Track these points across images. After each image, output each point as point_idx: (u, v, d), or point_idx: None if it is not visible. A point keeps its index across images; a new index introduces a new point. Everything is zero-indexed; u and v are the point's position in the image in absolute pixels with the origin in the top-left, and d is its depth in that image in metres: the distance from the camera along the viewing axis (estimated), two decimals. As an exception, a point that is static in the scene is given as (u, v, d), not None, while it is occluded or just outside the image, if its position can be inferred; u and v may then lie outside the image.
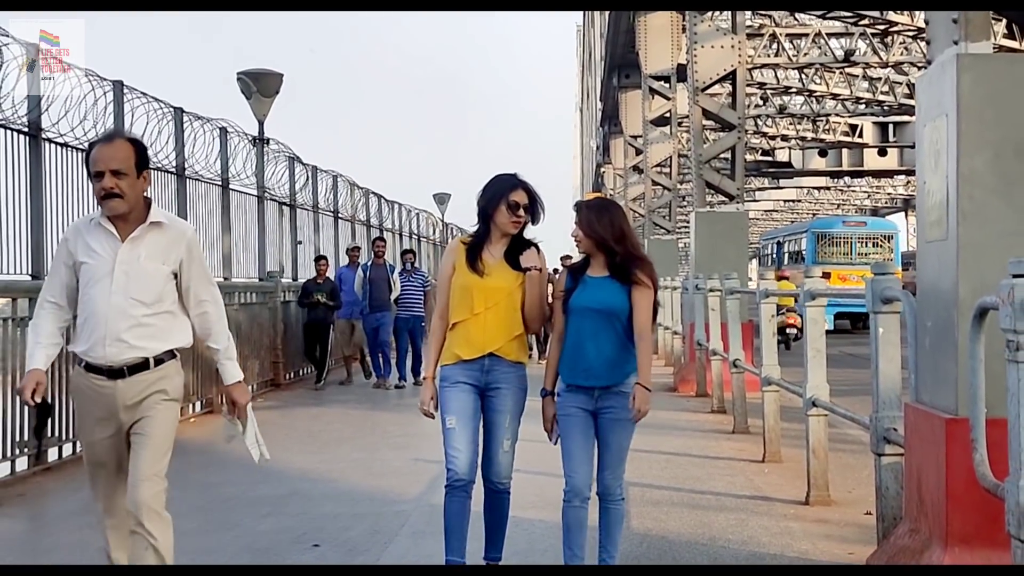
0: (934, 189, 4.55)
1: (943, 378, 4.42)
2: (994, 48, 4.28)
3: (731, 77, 15.88)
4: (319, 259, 14.92)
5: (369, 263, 14.58)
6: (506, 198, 4.75)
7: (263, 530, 6.31)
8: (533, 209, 4.82)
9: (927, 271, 4.69)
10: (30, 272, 8.59)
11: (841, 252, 28.70)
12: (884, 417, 5.32)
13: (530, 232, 4.89)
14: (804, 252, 29.71)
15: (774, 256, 34.84)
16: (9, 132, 8.46)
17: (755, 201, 59.29)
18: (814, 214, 63.42)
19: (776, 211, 64.82)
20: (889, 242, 29.49)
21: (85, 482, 8.07)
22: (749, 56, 22.46)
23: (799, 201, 60.48)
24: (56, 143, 9.01)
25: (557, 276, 5.01)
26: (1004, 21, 18.11)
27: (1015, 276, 3.47)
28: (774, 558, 5.49)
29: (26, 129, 8.60)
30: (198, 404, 11.72)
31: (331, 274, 15.38)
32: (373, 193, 23.19)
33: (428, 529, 6.09)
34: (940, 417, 4.32)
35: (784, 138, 34.55)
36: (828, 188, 53.23)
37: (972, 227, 4.28)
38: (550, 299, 4.89)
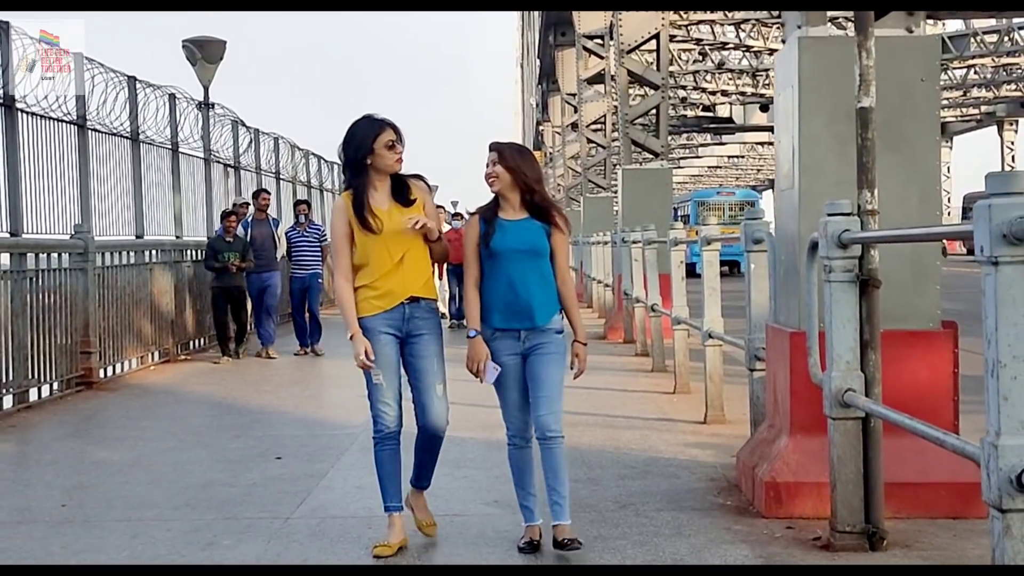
0: (784, 147, 5.53)
1: (791, 301, 5.41)
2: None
3: (655, 39, 16.76)
4: (229, 214, 12.86)
5: (250, 219, 13.31)
6: (381, 139, 4.66)
7: (233, 447, 7.23)
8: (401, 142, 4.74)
9: (781, 215, 5.67)
10: (9, 230, 9.35)
11: (715, 215, 36.32)
12: (755, 338, 6.36)
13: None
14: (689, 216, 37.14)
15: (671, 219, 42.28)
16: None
17: (698, 158, 58.65)
18: (758, 170, 64.35)
19: (720, 167, 63.54)
20: (752, 207, 36.11)
21: (68, 415, 9.02)
22: (684, 13, 23.19)
23: (742, 157, 59.27)
24: (27, 113, 9.69)
25: (467, 222, 4.88)
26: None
27: (829, 215, 4.50)
28: (668, 462, 6.46)
29: (1, 100, 9.28)
30: (156, 353, 12.54)
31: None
32: (313, 154, 23.73)
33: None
34: (787, 332, 5.31)
35: (724, 93, 34.59)
36: (771, 143, 53.38)
37: (811, 178, 5.25)
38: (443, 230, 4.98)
